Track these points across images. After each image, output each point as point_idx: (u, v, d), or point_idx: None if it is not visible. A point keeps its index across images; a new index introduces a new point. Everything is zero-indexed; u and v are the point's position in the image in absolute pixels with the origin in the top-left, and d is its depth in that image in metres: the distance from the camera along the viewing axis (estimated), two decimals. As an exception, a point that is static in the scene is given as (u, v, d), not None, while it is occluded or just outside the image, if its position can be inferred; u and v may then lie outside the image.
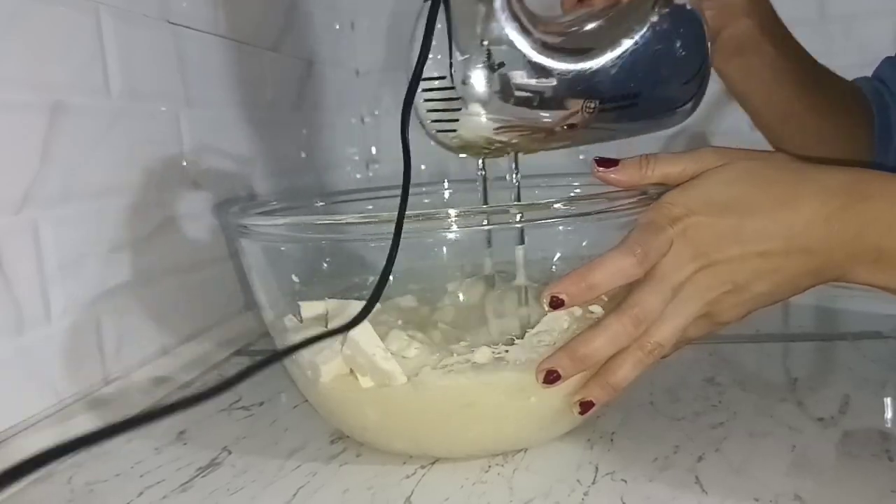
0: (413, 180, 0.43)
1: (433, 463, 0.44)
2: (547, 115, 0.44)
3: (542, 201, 0.42)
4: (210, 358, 0.66)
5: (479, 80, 0.43)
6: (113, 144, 0.57)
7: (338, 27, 1.06)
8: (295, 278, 0.48)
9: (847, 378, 0.54)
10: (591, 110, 0.44)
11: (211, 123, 0.71)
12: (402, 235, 0.40)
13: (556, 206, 0.41)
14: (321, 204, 0.60)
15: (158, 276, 0.62)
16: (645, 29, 0.45)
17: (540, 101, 0.43)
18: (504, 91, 0.43)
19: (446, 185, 0.63)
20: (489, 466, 0.43)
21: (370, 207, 0.59)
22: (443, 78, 0.43)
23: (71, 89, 0.53)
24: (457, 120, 0.44)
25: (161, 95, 0.64)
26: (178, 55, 0.66)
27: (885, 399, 0.51)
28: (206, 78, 0.71)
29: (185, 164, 0.66)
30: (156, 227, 0.62)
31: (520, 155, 0.48)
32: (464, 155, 0.47)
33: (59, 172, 0.51)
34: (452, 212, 0.41)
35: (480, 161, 0.49)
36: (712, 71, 0.51)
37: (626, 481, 0.40)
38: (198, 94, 0.69)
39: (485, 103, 0.43)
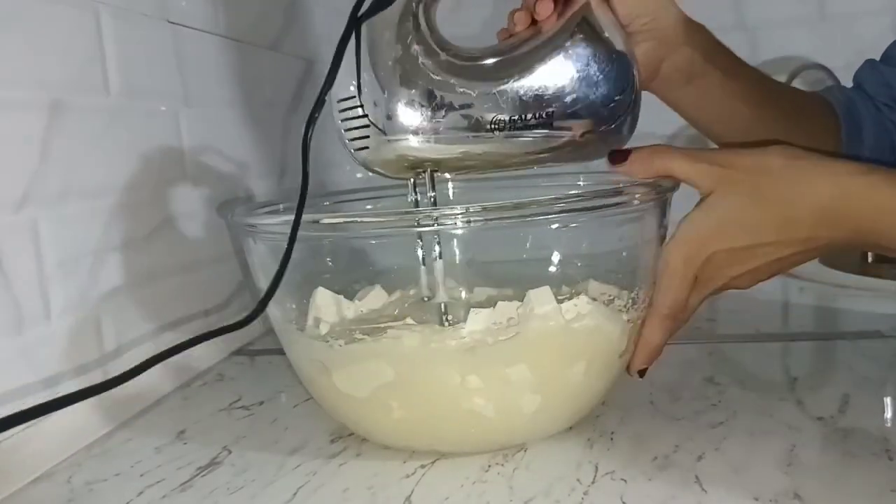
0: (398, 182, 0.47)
1: (433, 462, 0.44)
2: (458, 135, 0.45)
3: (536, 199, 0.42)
4: (210, 357, 0.66)
5: (389, 103, 0.44)
6: (112, 143, 0.57)
7: (337, 26, 1.05)
8: (299, 276, 0.49)
9: (847, 377, 0.54)
10: (500, 129, 0.45)
11: (210, 122, 0.71)
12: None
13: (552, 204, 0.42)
14: (327, 203, 0.60)
15: (158, 274, 0.62)
16: (558, 56, 0.46)
17: (446, 121, 0.45)
18: (414, 119, 0.44)
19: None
20: (489, 466, 0.43)
21: (368, 207, 0.59)
22: (352, 98, 0.45)
23: (70, 88, 0.53)
24: (368, 137, 0.45)
25: (160, 94, 0.64)
26: (178, 54, 0.66)
27: (884, 398, 0.51)
28: (206, 77, 0.71)
29: (184, 163, 0.66)
30: (155, 226, 0.62)
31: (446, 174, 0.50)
32: (389, 176, 0.49)
33: (58, 171, 0.51)
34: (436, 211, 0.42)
35: (411, 182, 0.50)
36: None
37: (625, 480, 0.40)
38: (197, 93, 0.68)
39: (393, 126, 0.44)
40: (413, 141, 0.45)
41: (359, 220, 0.46)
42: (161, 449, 0.48)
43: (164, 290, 0.62)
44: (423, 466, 0.43)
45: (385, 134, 0.45)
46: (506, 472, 0.42)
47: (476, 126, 0.45)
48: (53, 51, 0.51)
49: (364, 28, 0.45)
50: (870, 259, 0.83)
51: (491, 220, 0.41)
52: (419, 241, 0.49)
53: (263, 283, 0.49)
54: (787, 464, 0.40)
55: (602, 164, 0.48)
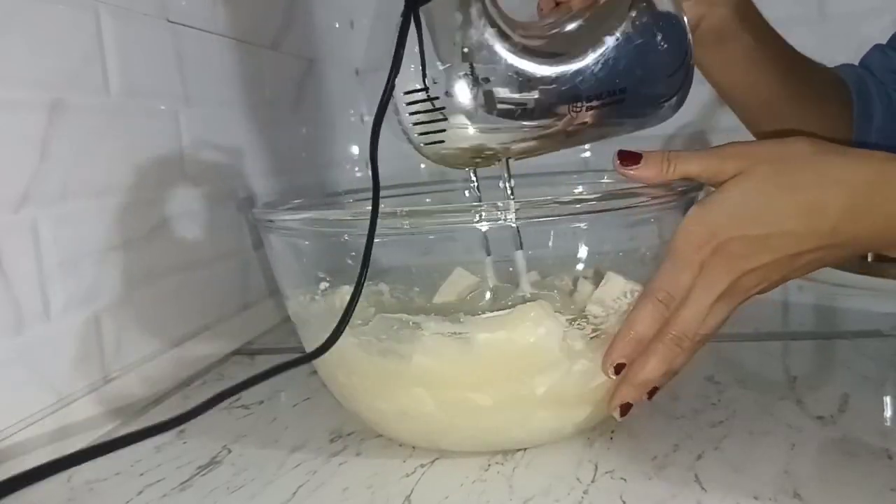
0: (412, 179, 0.43)
1: (433, 461, 0.44)
2: (534, 119, 0.44)
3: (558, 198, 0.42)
4: (210, 356, 0.66)
5: (461, 90, 0.42)
6: (112, 143, 0.57)
7: (337, 26, 1.05)
8: (320, 273, 0.49)
9: (846, 376, 0.54)
10: (577, 110, 0.44)
11: (210, 122, 0.71)
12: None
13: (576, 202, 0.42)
14: (350, 200, 0.60)
15: (158, 274, 0.62)
16: (625, 25, 0.45)
17: (525, 105, 0.43)
18: (488, 99, 0.42)
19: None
20: (489, 465, 0.43)
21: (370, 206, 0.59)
22: (425, 89, 0.43)
23: (70, 87, 0.53)
24: (443, 130, 0.43)
25: (160, 94, 0.64)
26: (177, 53, 0.66)
27: (884, 397, 0.51)
28: (206, 76, 0.71)
29: (184, 162, 0.66)
30: (155, 226, 0.62)
31: (513, 160, 0.48)
32: (456, 167, 0.47)
33: (58, 171, 0.51)
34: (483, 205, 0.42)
35: (472, 173, 0.49)
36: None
37: (625, 480, 0.40)
38: (197, 92, 0.68)
39: (469, 113, 0.43)
40: (495, 126, 0.43)
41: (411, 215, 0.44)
42: (161, 448, 0.48)
43: (164, 289, 0.62)
44: (422, 465, 0.43)
45: (465, 123, 0.43)
46: (505, 471, 0.42)
47: (553, 107, 0.43)
48: (53, 50, 0.51)
49: (422, 15, 0.42)
50: (870, 258, 0.83)
51: (541, 217, 0.41)
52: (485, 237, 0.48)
53: (283, 279, 0.49)
54: (786, 463, 0.40)
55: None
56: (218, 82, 0.74)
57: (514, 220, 0.41)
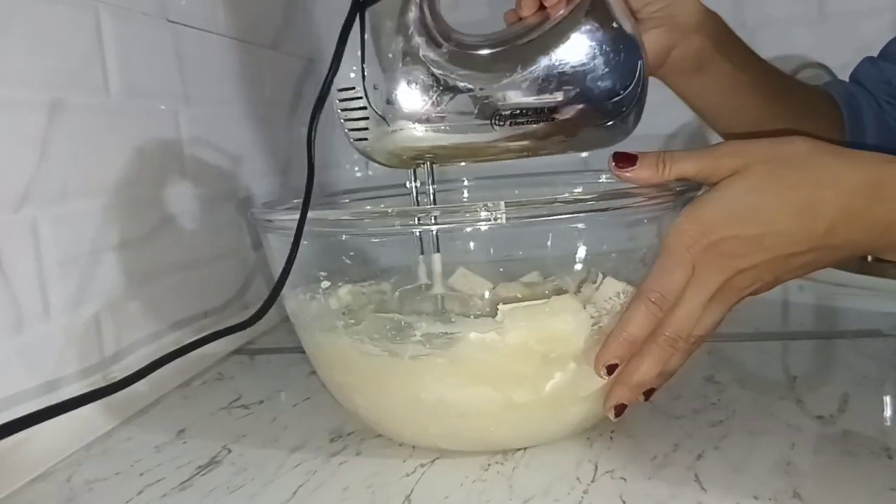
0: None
1: (433, 461, 0.44)
2: (458, 129, 0.45)
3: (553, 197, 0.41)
4: (210, 356, 0.66)
5: (392, 94, 0.44)
6: (112, 142, 0.57)
7: (337, 25, 1.05)
8: (319, 272, 0.49)
9: (846, 376, 0.54)
10: (500, 124, 0.45)
11: (210, 121, 0.71)
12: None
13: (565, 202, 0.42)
14: (347, 200, 0.60)
15: (157, 273, 0.62)
16: (565, 44, 0.45)
17: (445, 115, 0.44)
18: (414, 104, 0.44)
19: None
20: (489, 465, 0.43)
21: (366, 207, 0.59)
22: (352, 88, 0.45)
23: (70, 87, 0.53)
24: (368, 130, 0.45)
25: (160, 93, 0.64)
26: (177, 53, 0.66)
27: (884, 397, 0.51)
28: (205, 76, 0.71)
29: (183, 162, 0.66)
30: (154, 225, 0.62)
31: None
32: (393, 167, 0.48)
33: (57, 170, 0.51)
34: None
35: (413, 175, 0.49)
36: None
37: (625, 479, 0.40)
38: (196, 92, 0.68)
39: (392, 116, 0.44)
40: (412, 130, 0.44)
41: (362, 218, 0.45)
42: (161, 448, 0.48)
43: (163, 288, 0.62)
44: (422, 465, 0.43)
45: (386, 123, 0.44)
46: (505, 470, 0.42)
47: (478, 117, 0.44)
48: (53, 50, 0.51)
49: (367, 16, 0.44)
50: (869, 259, 0.83)
51: (527, 217, 0.41)
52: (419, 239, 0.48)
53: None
54: (786, 462, 0.40)
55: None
56: (218, 82, 0.74)
57: (503, 220, 0.40)
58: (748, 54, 0.61)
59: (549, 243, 0.51)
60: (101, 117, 0.56)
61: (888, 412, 0.48)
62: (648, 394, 0.43)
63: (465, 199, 0.62)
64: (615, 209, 0.42)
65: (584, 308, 0.42)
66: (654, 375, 0.42)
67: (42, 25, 0.51)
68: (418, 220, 0.41)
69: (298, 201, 0.53)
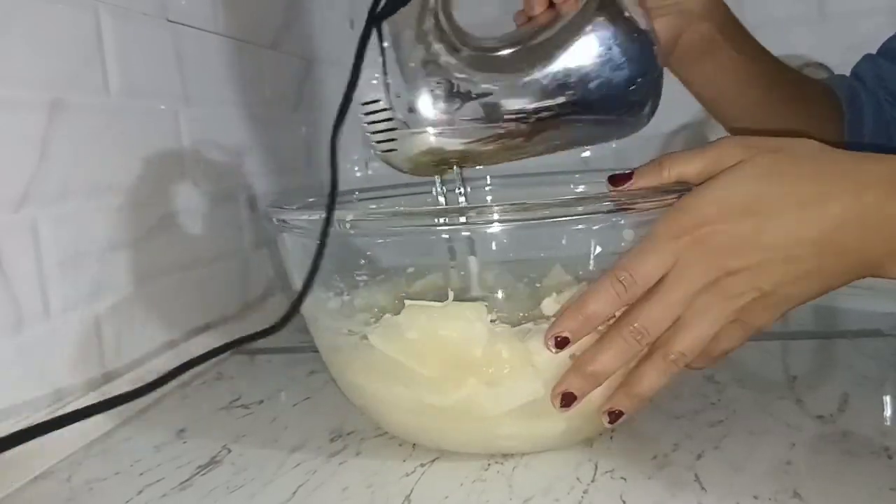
0: (412, 180, 0.48)
1: (433, 461, 0.44)
2: (483, 130, 0.45)
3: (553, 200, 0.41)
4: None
5: (414, 102, 0.44)
6: (112, 142, 0.57)
7: (337, 25, 1.05)
8: (335, 272, 0.49)
9: (846, 376, 0.54)
10: (525, 122, 0.45)
11: (210, 121, 0.71)
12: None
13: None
14: (360, 200, 0.60)
15: (157, 273, 0.62)
16: (579, 41, 0.46)
17: (470, 117, 0.45)
18: (436, 110, 0.44)
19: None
20: (489, 465, 0.43)
21: (373, 207, 0.59)
22: (376, 101, 0.45)
23: (70, 87, 0.53)
24: (395, 140, 0.45)
25: (160, 93, 0.64)
26: (177, 53, 0.66)
27: (884, 397, 0.51)
28: (205, 76, 0.71)
29: (183, 161, 0.66)
30: (154, 225, 0.62)
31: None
32: (420, 175, 0.49)
33: (58, 170, 0.51)
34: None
35: (438, 179, 0.50)
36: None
37: (625, 479, 0.40)
38: (197, 91, 0.68)
39: (418, 123, 0.44)
40: (440, 136, 0.45)
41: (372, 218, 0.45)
42: (161, 447, 0.48)
43: (163, 288, 0.62)
44: (422, 465, 0.43)
45: (413, 132, 0.45)
46: (505, 470, 0.42)
47: (500, 117, 0.45)
48: (53, 50, 0.51)
49: (384, 27, 0.45)
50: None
51: (541, 218, 0.40)
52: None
53: (296, 278, 0.49)
54: (786, 462, 0.40)
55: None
56: (218, 82, 0.74)
57: (498, 222, 0.40)
58: (751, 42, 0.61)
59: (548, 244, 0.51)
60: (101, 117, 0.56)
61: (888, 412, 0.48)
62: (615, 417, 0.40)
63: (491, 200, 0.62)
64: (617, 210, 0.41)
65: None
66: (612, 369, 0.39)
67: (42, 25, 0.51)
68: (466, 219, 0.41)
69: (312, 200, 0.54)
